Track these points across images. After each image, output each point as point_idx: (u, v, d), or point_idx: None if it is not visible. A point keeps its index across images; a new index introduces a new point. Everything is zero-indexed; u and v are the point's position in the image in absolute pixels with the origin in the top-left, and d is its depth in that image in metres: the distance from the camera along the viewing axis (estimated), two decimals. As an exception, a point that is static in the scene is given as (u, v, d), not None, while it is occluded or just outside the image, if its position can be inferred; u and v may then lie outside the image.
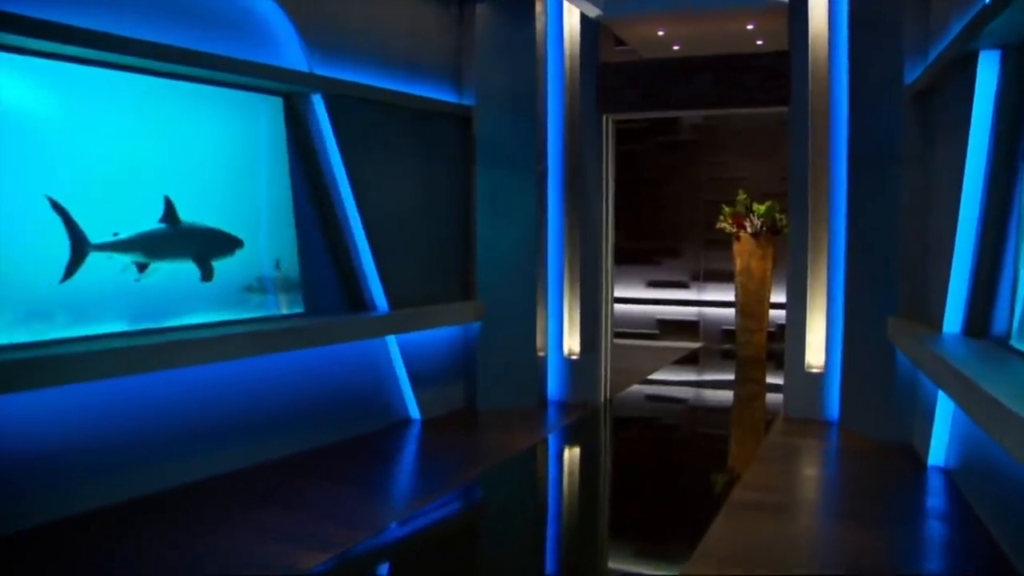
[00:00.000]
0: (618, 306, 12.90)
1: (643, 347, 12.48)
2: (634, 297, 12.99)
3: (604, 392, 8.45)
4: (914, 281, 6.46)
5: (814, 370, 7.48)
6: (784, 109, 7.61)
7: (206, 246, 6.08)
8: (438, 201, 7.73)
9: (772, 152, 12.02)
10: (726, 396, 9.77)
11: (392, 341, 7.38)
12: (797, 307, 7.51)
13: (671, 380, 10.24)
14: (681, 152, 12.72)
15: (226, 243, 6.22)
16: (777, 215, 11.06)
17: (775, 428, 7.34)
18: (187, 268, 5.97)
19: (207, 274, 6.08)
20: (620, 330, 12.60)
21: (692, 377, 10.63)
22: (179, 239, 5.90)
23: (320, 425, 6.79)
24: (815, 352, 7.49)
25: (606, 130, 8.32)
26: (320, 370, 6.87)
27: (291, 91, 6.61)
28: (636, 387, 9.53)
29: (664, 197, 12.82)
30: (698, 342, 12.57)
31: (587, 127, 8.20)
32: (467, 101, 7.89)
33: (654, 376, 10.24)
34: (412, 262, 7.50)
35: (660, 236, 12.82)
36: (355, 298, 7.21)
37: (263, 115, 6.53)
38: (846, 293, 7.15)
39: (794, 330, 7.54)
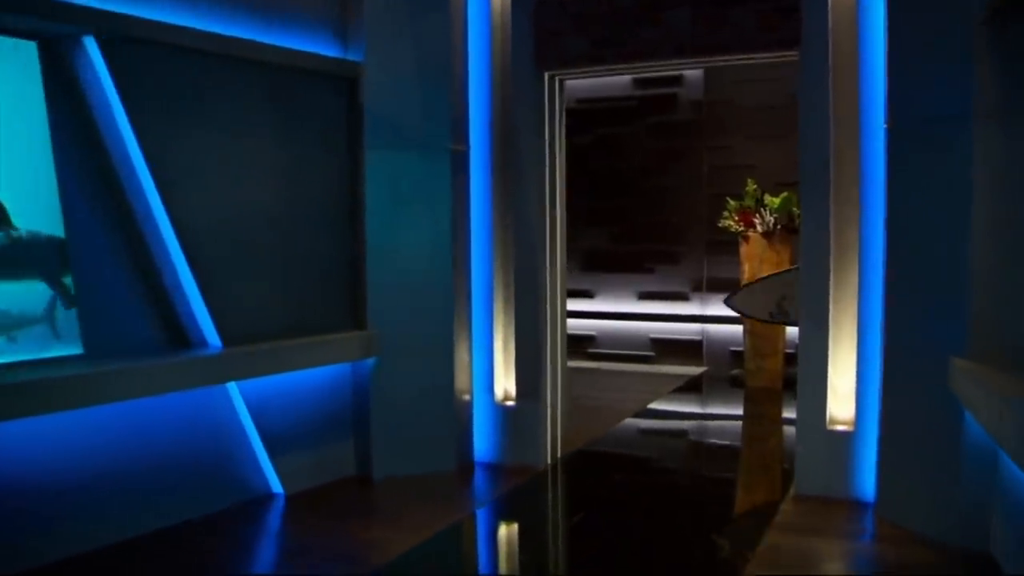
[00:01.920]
0: (604, 323, 10.78)
1: (634, 372, 10.32)
2: (623, 312, 10.82)
3: (551, 449, 6.21)
4: (993, 303, 4.22)
5: (839, 428, 5.22)
6: (794, 57, 5.36)
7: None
8: (307, 197, 5.57)
9: (788, 133, 9.75)
10: (730, 443, 7.52)
11: (234, 390, 5.21)
12: (815, 337, 5.25)
13: (659, 425, 8.03)
14: (678, 135, 10.54)
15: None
16: (795, 210, 8.78)
17: (781, 514, 5.08)
18: None
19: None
20: (607, 352, 10.55)
21: (692, 410, 8.41)
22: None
23: (122, 511, 4.75)
24: (841, 402, 5.23)
25: (551, 93, 6.10)
26: (125, 433, 4.77)
27: (48, 31, 4.46)
28: (620, 427, 7.35)
29: (657, 190, 10.64)
30: (701, 366, 10.33)
31: (523, 90, 5.99)
32: (353, 56, 5.71)
33: (638, 417, 8.00)
34: (265, 281, 5.36)
35: (653, 238, 10.65)
36: (174, 332, 5.06)
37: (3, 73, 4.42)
38: (886, 318, 4.90)
39: (811, 369, 5.28)
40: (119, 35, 4.50)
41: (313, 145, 5.57)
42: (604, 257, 10.91)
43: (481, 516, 5.35)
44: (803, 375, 5.29)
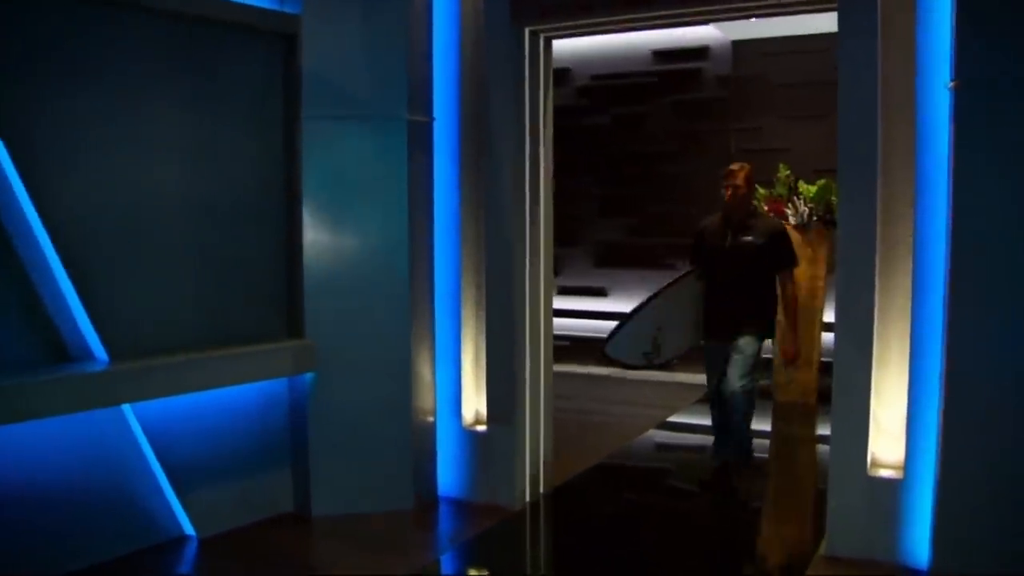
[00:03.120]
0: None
1: (650, 381, 9.17)
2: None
3: (530, 484, 5.15)
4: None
5: (884, 473, 4.13)
6: (832, 6, 4.26)
7: None
8: (228, 179, 4.58)
9: (828, 113, 8.63)
10: (750, 473, 6.39)
11: (128, 412, 4.22)
12: (854, 359, 4.14)
13: (669, 449, 6.96)
14: (702, 115, 9.42)
15: None
16: (833, 199, 7.64)
17: (808, 582, 4.00)
18: None
19: None
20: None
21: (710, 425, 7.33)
22: None
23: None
24: (887, 441, 4.14)
25: (533, 54, 5.02)
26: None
27: None
28: (625, 449, 6.40)
29: (678, 177, 9.54)
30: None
31: (499, 50, 4.93)
32: (289, 7, 4.68)
33: (647, 436, 6.95)
34: (170, 283, 4.38)
35: (674, 230, 9.53)
36: (49, 343, 4.07)
37: None
38: (948, 336, 3.79)
39: (849, 400, 4.18)
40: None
41: (235, 116, 4.56)
42: (619, 251, 9.80)
43: (445, 562, 4.35)
44: (839, 407, 4.18)
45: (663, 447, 6.96)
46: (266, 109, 4.69)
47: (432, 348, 5.04)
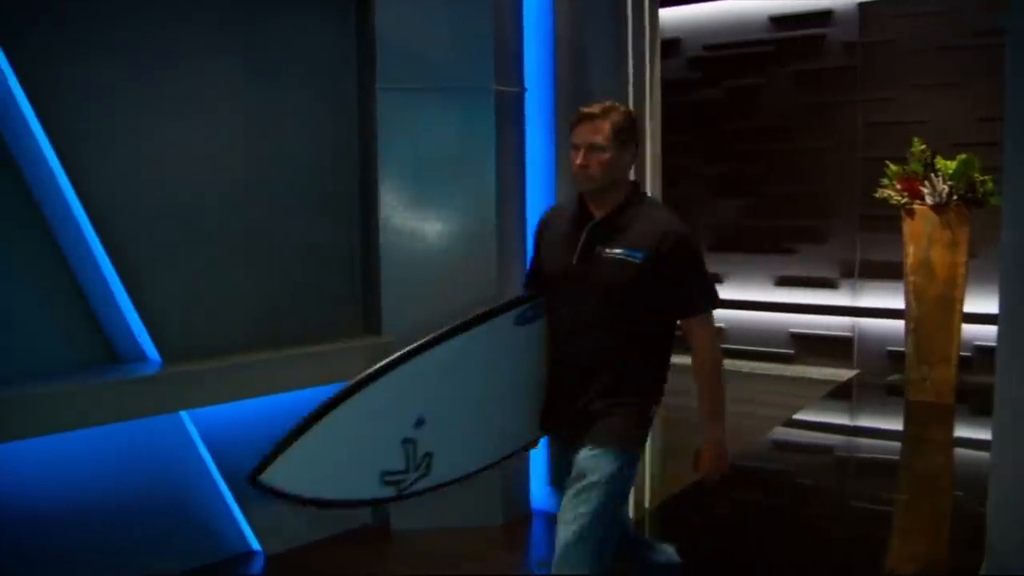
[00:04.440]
0: (734, 314, 9.03)
1: (770, 375, 8.59)
2: (757, 301, 9.05)
3: (635, 497, 4.61)
4: None
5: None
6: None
7: None
8: (295, 161, 4.15)
9: (968, 81, 7.83)
10: (884, 479, 5.70)
11: (186, 419, 3.85)
12: (1021, 351, 3.46)
13: (796, 450, 6.37)
14: (826, 86, 8.65)
15: None
16: (976, 176, 6.86)
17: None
18: None
19: None
20: (737, 348, 8.84)
21: (841, 423, 6.68)
22: None
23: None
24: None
25: (637, 15, 4.45)
26: (37, 479, 3.49)
27: None
28: (747, 452, 5.74)
29: (801, 154, 8.82)
30: (851, 370, 8.47)
31: (597, 12, 4.38)
32: (360, -33, 4.23)
33: (777, 431, 6.37)
34: (233, 277, 3.98)
35: (795, 212, 8.84)
36: (96, 346, 3.72)
37: None
38: None
39: (1014, 400, 3.49)
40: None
41: (303, 91, 4.14)
42: (735, 235, 9.12)
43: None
44: (1003, 410, 3.51)
45: (792, 448, 6.36)
46: (336, 81, 4.25)
47: (524, 346, 4.53)
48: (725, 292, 9.09)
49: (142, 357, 3.71)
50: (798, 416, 7.00)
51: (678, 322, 2.83)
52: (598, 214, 2.81)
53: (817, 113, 8.75)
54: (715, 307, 2.83)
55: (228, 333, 3.92)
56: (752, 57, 8.99)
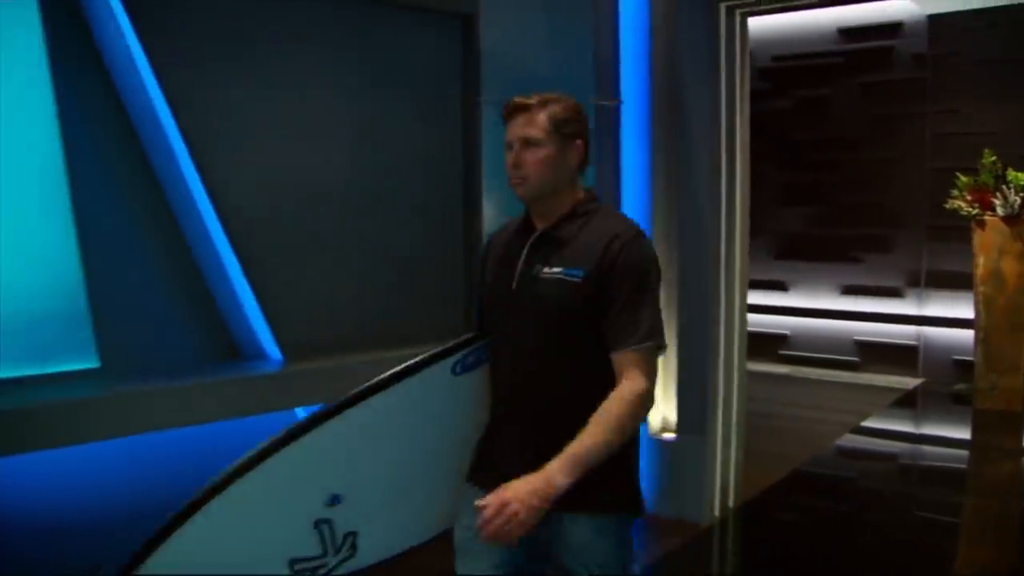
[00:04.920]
0: (799, 321, 9.12)
1: (834, 381, 8.70)
2: (822, 308, 9.12)
3: (720, 499, 4.75)
4: None
5: None
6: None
7: None
8: (404, 168, 4.32)
9: (1037, 92, 7.90)
10: (951, 487, 5.82)
11: (300, 416, 4.03)
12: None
13: (872, 448, 6.51)
14: (895, 97, 8.69)
15: None
16: (1048, 187, 6.99)
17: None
18: None
19: None
20: (801, 355, 8.92)
21: (907, 431, 6.78)
22: None
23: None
24: None
25: (730, 32, 4.60)
26: (150, 475, 3.66)
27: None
28: (818, 459, 5.95)
29: (868, 164, 8.86)
30: (916, 378, 8.52)
31: (693, 28, 4.54)
32: (467, -15, 4.42)
33: (846, 439, 6.48)
34: (346, 277, 4.16)
35: (861, 221, 8.89)
36: (218, 341, 3.93)
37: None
38: None
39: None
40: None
41: (413, 104, 4.32)
42: (801, 243, 9.20)
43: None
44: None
45: (859, 455, 6.45)
46: (442, 95, 4.44)
47: (616, 349, 4.69)
48: (790, 299, 9.19)
49: (262, 355, 3.91)
50: (865, 423, 7.08)
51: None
52: (540, 226, 2.29)
53: (885, 124, 8.81)
54: (656, 343, 2.14)
55: (341, 334, 4.11)
56: (821, 68, 9.08)
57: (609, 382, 2.13)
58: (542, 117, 2.24)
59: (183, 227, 3.77)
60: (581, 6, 4.41)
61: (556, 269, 2.20)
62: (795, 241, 9.26)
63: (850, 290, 9.01)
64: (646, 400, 2.11)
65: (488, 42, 4.37)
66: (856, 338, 8.93)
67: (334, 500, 2.24)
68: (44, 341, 3.56)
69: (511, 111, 2.28)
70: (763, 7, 4.68)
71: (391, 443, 2.29)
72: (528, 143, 2.22)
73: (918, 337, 8.64)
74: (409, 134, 4.33)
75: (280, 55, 3.86)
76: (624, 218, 2.30)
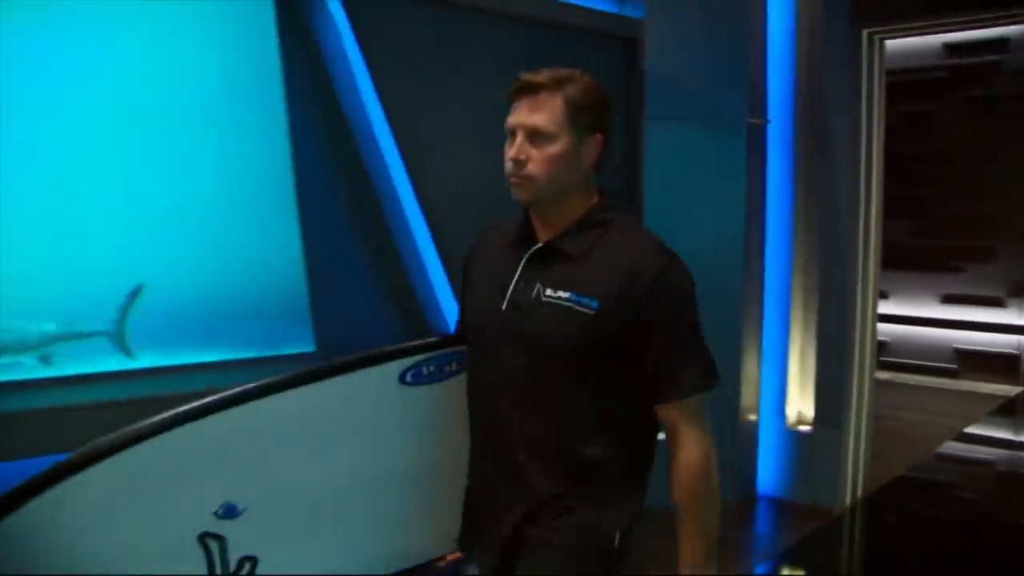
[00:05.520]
0: (898, 328, 9.40)
1: (932, 387, 8.92)
2: (921, 316, 9.37)
3: (853, 488, 5.12)
4: None
5: None
6: None
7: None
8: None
9: None
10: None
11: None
12: None
13: (979, 455, 6.74)
14: (1000, 112, 8.90)
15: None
16: None
17: None
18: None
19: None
20: (900, 361, 9.17)
21: (1006, 447, 7.04)
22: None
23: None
24: None
25: (869, 59, 4.98)
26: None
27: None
28: (929, 459, 6.16)
29: (971, 177, 9.10)
30: (1017, 386, 8.75)
31: (835, 52, 4.93)
32: (631, 12, 4.84)
33: (951, 446, 6.73)
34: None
35: (961, 232, 9.14)
36: (415, 327, 4.42)
37: (238, 34, 3.87)
38: None
39: None
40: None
41: (585, 116, 4.76)
42: (901, 253, 9.45)
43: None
44: None
45: (961, 461, 6.70)
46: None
47: (759, 347, 5.10)
48: (890, 307, 9.46)
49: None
50: (966, 430, 7.29)
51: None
52: (544, 236, 1.89)
53: (989, 138, 9.04)
54: (711, 387, 1.85)
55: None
56: (926, 83, 9.34)
57: (616, 429, 1.82)
58: (556, 102, 1.78)
59: (391, 227, 4.26)
60: (737, 33, 4.81)
61: (563, 294, 1.77)
62: (896, 251, 9.50)
63: (950, 299, 9.26)
64: (711, 453, 1.85)
65: (652, 64, 4.80)
66: (955, 346, 9.18)
67: (229, 512, 1.78)
68: (269, 328, 4.08)
69: (517, 90, 1.83)
70: (901, 31, 5.04)
71: (310, 451, 1.88)
72: (536, 135, 1.78)
73: (1019, 346, 8.87)
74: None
75: (478, 76, 4.34)
76: (648, 233, 1.93)
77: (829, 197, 4.94)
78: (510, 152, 1.81)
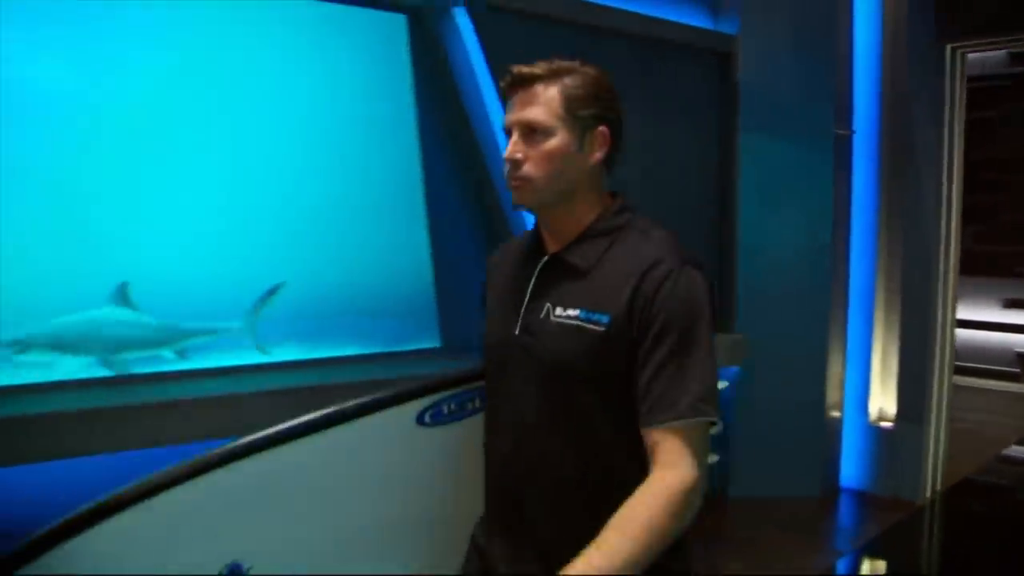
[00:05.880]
0: (962, 332, 9.52)
1: (995, 390, 9.09)
2: (983, 321, 9.53)
3: (933, 481, 5.36)
4: None
5: None
6: None
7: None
8: (673, 180, 5.04)
9: None
10: None
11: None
12: None
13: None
14: (1064, 121, 9.07)
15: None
16: None
17: None
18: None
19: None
20: (963, 364, 9.28)
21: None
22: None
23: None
24: None
25: (951, 72, 5.23)
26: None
27: (418, 3, 4.21)
28: (1002, 456, 6.41)
29: (1033, 184, 9.25)
30: (1079, 389, 8.92)
31: (919, 66, 5.17)
32: (726, 28, 5.13)
33: (1016, 448, 6.90)
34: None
35: (1024, 238, 9.28)
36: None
37: (373, 46, 4.20)
38: None
39: None
40: (495, 4, 4.18)
41: (682, 125, 5.05)
42: (966, 259, 9.60)
43: (843, 566, 4.62)
44: None
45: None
46: (704, 121, 5.15)
47: (844, 347, 5.35)
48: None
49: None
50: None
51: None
52: (552, 248, 1.71)
53: (1054, 146, 9.21)
54: (708, 416, 1.51)
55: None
56: (990, 91, 9.49)
57: (642, 462, 1.53)
58: (552, 94, 1.62)
59: (512, 230, 4.54)
60: (825, 48, 5.07)
61: (572, 311, 1.59)
62: (960, 257, 9.68)
63: (1013, 304, 9.42)
64: (690, 494, 1.47)
65: (745, 78, 5.07)
66: (1017, 350, 9.34)
67: (233, 571, 1.66)
68: (398, 325, 4.38)
69: (511, 84, 1.65)
70: (984, 46, 5.28)
71: (321, 504, 1.76)
72: (532, 130, 1.61)
73: (1082, 351, 9.02)
74: (679, 153, 5.05)
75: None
76: (667, 237, 1.65)
77: (912, 204, 5.19)
78: (506, 152, 1.63)
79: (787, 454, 5.20)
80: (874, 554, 4.79)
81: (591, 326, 1.55)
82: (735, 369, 5.13)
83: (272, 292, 4.00)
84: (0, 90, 3.24)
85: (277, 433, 1.67)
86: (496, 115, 4.27)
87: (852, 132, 5.25)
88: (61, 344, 3.58)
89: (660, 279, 1.54)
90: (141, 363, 3.69)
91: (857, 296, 5.35)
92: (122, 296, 3.62)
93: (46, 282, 3.46)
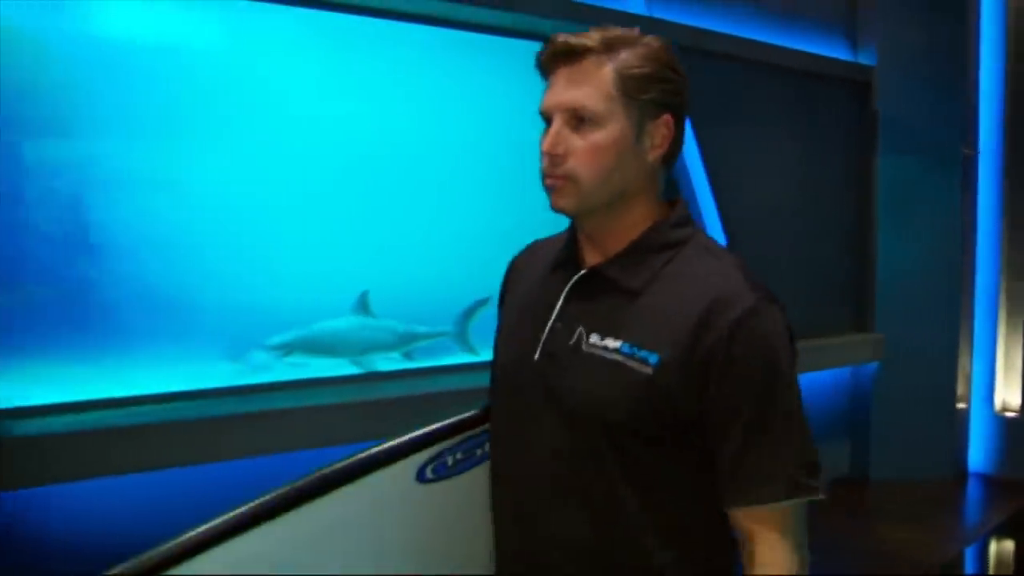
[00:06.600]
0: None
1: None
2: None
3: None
4: None
5: None
6: None
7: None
8: (820, 197, 5.62)
9: None
10: None
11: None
12: None
13: None
14: None
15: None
16: None
17: None
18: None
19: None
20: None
21: None
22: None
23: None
24: None
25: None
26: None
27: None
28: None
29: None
30: None
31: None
32: (864, 60, 5.72)
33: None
34: (780, 278, 5.45)
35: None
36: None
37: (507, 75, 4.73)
38: None
39: None
40: (678, 42, 4.74)
41: (827, 147, 5.63)
42: None
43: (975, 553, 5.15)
44: None
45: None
46: (846, 141, 5.73)
47: (971, 343, 5.93)
48: None
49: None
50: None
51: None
52: (591, 260, 1.39)
53: None
54: (812, 493, 1.27)
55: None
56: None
57: (685, 544, 1.32)
58: (605, 72, 1.27)
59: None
60: (957, 77, 5.66)
61: (612, 343, 1.29)
62: None
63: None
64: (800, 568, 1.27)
65: (883, 104, 5.65)
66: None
67: None
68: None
69: (551, 56, 1.31)
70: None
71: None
72: (578, 117, 1.28)
73: None
74: (826, 175, 5.61)
75: (751, 116, 5.20)
76: (738, 260, 1.37)
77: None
78: (544, 144, 1.30)
79: (920, 441, 5.77)
80: (1004, 533, 5.33)
81: (635, 365, 1.25)
82: (875, 365, 5.71)
83: (481, 304, 4.56)
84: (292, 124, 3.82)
85: (242, 516, 1.37)
86: (696, 173, 4.85)
87: (977, 152, 5.82)
88: (318, 347, 4.21)
89: (738, 317, 1.24)
90: (382, 363, 4.31)
91: (982, 302, 5.93)
92: (363, 304, 4.23)
93: (301, 291, 4.09)
